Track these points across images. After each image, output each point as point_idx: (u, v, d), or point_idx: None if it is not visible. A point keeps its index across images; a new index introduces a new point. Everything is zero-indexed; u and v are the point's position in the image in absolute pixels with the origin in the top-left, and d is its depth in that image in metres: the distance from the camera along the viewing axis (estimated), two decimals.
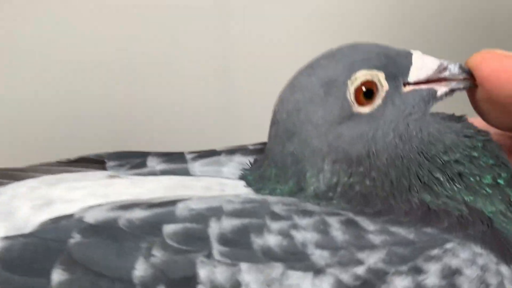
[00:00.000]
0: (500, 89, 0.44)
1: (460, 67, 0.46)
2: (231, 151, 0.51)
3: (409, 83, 0.46)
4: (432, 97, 0.46)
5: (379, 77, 0.45)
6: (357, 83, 0.44)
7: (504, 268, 0.40)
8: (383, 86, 0.45)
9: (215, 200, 0.42)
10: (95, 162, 0.51)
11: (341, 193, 0.43)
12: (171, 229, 0.40)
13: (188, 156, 0.50)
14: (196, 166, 0.49)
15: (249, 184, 0.46)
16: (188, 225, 0.40)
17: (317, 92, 0.44)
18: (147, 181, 0.46)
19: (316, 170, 0.44)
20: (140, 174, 0.49)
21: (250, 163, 0.48)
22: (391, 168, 0.44)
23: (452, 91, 0.46)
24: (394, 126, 0.44)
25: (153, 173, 0.49)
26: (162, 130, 0.83)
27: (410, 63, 0.45)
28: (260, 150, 0.50)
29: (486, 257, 0.40)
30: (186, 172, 0.49)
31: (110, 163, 0.50)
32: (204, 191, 0.45)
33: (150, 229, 0.40)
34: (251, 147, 0.51)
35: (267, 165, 0.46)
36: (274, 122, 0.46)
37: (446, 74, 0.46)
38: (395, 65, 0.45)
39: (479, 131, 0.46)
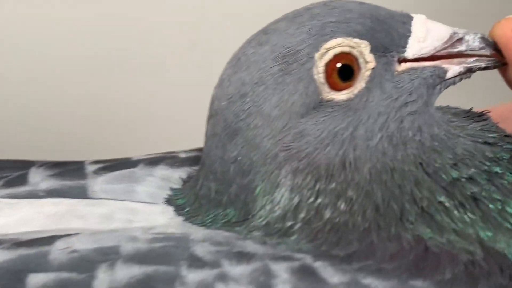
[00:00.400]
0: None
1: (482, 39, 0.36)
2: (152, 161, 0.39)
3: (406, 60, 0.35)
4: (440, 79, 0.36)
5: (362, 48, 0.34)
6: (328, 56, 0.34)
7: None
8: (368, 62, 0.34)
9: (112, 236, 0.33)
10: None
11: (304, 222, 0.34)
12: (39, 281, 0.31)
13: (89, 168, 0.38)
14: (98, 183, 0.38)
15: (180, 210, 0.36)
16: (64, 275, 0.31)
17: (269, 70, 0.34)
18: (22, 206, 0.36)
19: (269, 185, 0.34)
20: (15, 195, 0.37)
21: (181, 179, 0.38)
22: (376, 185, 0.34)
23: (469, 71, 0.36)
24: (382, 123, 0.34)
25: (35, 194, 0.37)
26: (150, 127, 0.78)
27: (408, 31, 0.36)
28: (196, 159, 0.39)
29: None
30: (83, 192, 0.37)
31: None
32: (102, 222, 0.35)
33: (8, 281, 0.31)
34: (182, 155, 0.40)
35: (203, 177, 0.36)
36: (212, 114, 0.35)
37: (461, 48, 0.36)
38: (387, 32, 0.35)
39: (506, 136, 0.36)
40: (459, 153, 0.35)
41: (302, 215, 0.33)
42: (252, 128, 0.34)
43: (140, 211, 0.35)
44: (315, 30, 0.34)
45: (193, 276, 0.31)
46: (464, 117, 0.37)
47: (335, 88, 0.33)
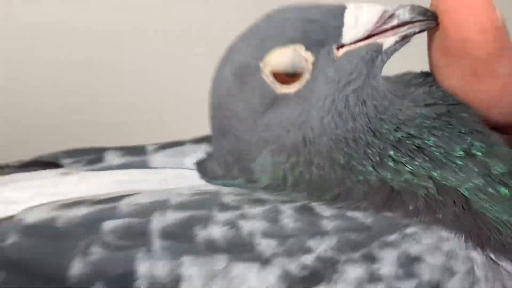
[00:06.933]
0: (456, 27, 0.39)
1: (413, 9, 0.40)
2: (197, 140, 0.48)
3: (344, 45, 0.40)
4: (377, 52, 0.40)
5: (298, 50, 0.40)
6: (271, 65, 0.40)
7: (475, 254, 0.36)
8: (307, 59, 0.40)
9: (164, 193, 0.41)
10: (50, 164, 0.49)
11: (293, 185, 0.41)
12: (111, 226, 0.38)
13: (150, 148, 0.48)
14: (157, 158, 0.47)
15: (204, 175, 0.45)
16: (129, 220, 0.38)
17: (232, 83, 0.41)
18: (100, 176, 0.45)
19: (259, 166, 0.41)
20: (95, 169, 0.47)
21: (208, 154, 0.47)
22: (336, 152, 0.40)
23: (405, 37, 0.40)
24: (330, 103, 0.40)
25: (109, 168, 0.47)
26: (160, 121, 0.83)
27: (341, 22, 0.40)
28: None
29: (453, 242, 0.36)
30: (145, 165, 0.46)
31: (66, 161, 0.48)
32: (160, 184, 0.44)
33: (89, 227, 0.38)
34: None
35: (214, 161, 0.44)
36: (210, 116, 0.44)
37: (393, 23, 0.40)
38: (321, 29, 0.40)
39: (446, 96, 0.40)
40: (402, 118, 0.39)
41: (289, 182, 0.40)
42: (234, 128, 0.41)
43: (188, 176, 0.44)
44: (258, 45, 0.40)
45: (221, 216, 0.38)
46: (408, 83, 0.41)
47: (285, 83, 0.40)
